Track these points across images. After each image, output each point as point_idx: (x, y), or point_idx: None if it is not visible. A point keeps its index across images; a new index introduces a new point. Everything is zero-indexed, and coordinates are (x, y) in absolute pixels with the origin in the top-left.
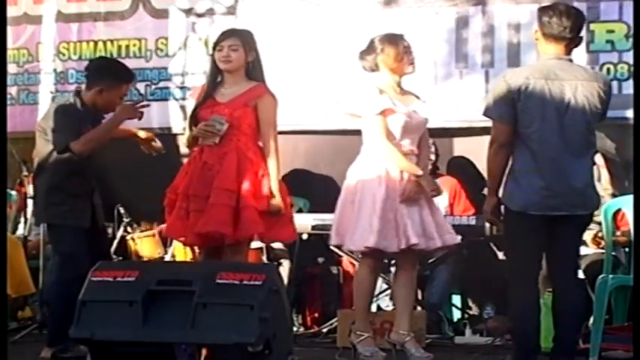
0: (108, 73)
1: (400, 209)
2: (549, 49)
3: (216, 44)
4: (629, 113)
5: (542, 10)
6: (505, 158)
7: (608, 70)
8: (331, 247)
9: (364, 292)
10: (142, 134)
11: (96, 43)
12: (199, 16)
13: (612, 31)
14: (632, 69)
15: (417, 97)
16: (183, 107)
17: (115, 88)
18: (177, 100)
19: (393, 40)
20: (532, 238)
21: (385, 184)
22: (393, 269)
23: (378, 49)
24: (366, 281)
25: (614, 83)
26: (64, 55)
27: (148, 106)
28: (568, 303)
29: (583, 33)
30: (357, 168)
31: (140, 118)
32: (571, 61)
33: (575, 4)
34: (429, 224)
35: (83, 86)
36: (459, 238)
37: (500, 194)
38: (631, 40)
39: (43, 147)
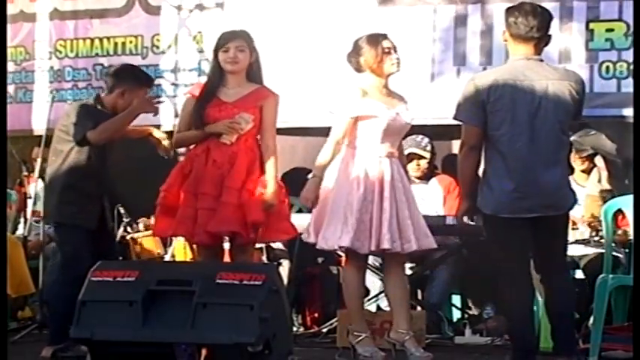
0: (131, 77)
1: (377, 211)
2: (518, 50)
3: (220, 45)
4: (629, 112)
5: (509, 11)
6: (475, 161)
7: (607, 68)
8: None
9: (354, 293)
10: (157, 133)
11: (92, 40)
12: (188, 11)
13: (612, 30)
14: (631, 67)
15: (403, 100)
16: (174, 105)
17: (136, 91)
18: (168, 97)
19: (373, 41)
20: (511, 241)
21: (363, 185)
22: None
23: (360, 50)
24: (354, 282)
25: (614, 81)
26: (60, 52)
27: (162, 102)
28: (558, 304)
29: (582, 32)
30: (336, 168)
31: (156, 114)
32: (541, 61)
33: (575, 4)
34: (406, 227)
35: (101, 91)
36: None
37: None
38: (630, 38)
39: (63, 145)
